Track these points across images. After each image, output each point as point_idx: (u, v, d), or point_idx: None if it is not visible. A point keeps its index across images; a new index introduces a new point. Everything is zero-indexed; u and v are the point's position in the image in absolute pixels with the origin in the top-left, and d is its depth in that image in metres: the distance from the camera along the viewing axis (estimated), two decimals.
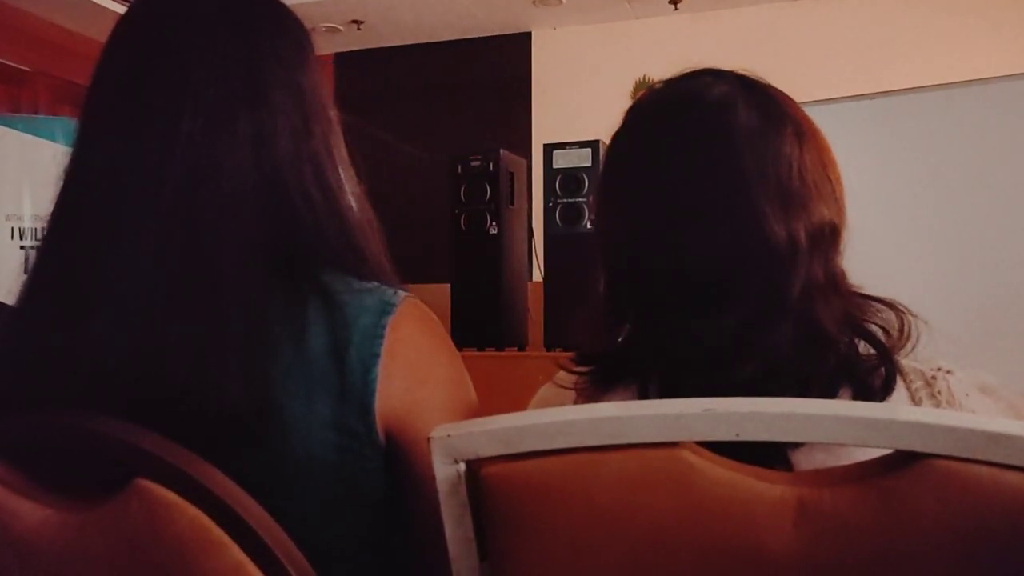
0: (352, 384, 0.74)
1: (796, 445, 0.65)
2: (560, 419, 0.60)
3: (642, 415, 0.59)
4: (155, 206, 0.76)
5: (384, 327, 0.76)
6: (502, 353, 2.83)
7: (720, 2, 3.92)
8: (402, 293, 0.80)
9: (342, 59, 4.27)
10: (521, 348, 2.95)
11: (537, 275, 3.28)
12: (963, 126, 2.20)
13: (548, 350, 2.69)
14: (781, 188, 0.72)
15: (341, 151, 0.85)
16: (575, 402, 0.76)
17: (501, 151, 3.10)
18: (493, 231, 2.96)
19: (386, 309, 0.77)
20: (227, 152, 0.76)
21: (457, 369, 0.82)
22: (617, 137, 0.81)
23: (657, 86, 0.81)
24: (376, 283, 0.80)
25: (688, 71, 0.81)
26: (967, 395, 0.70)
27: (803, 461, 0.65)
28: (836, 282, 0.74)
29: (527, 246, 3.24)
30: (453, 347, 0.83)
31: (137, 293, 0.75)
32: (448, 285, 2.95)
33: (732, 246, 0.72)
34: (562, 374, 0.79)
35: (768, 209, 0.71)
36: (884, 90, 2.36)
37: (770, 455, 0.64)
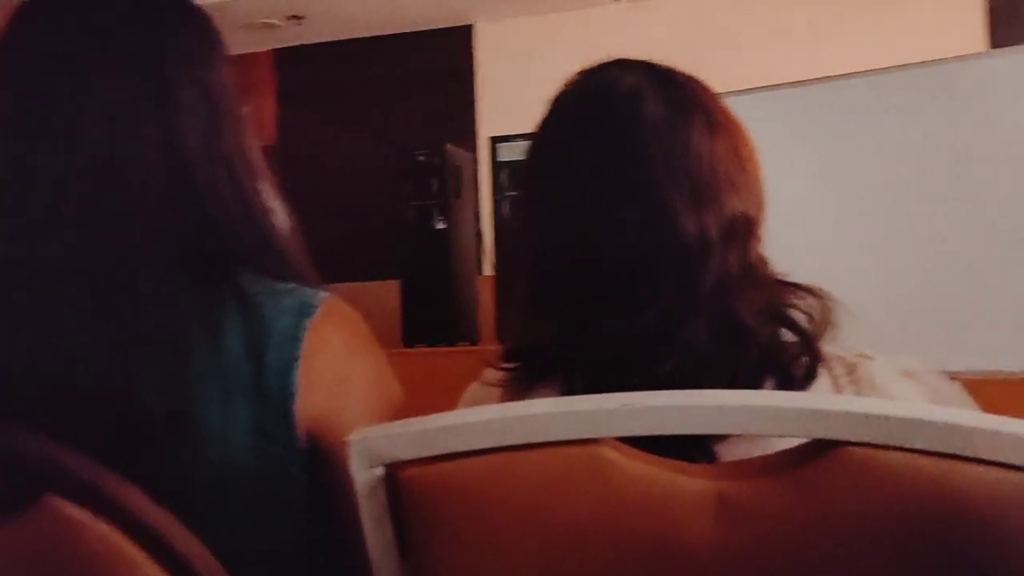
0: (271, 388, 0.72)
1: (720, 437, 0.65)
2: (477, 419, 0.59)
3: (559, 412, 0.58)
4: (60, 212, 0.73)
5: (303, 329, 0.74)
6: (454, 348, 2.82)
7: None
8: (322, 294, 0.78)
9: (282, 55, 4.19)
10: (473, 343, 2.93)
11: (488, 269, 3.27)
12: (893, 112, 2.23)
13: (501, 343, 2.68)
14: (690, 180, 0.71)
15: (255, 149, 0.83)
16: (501, 399, 0.75)
17: (447, 145, 3.08)
18: (441, 225, 2.94)
19: (305, 310, 0.75)
20: (133, 154, 0.74)
21: (380, 369, 0.80)
22: (535, 132, 0.80)
23: (572, 78, 0.80)
24: (295, 284, 0.78)
25: (600, 62, 0.80)
26: (889, 381, 0.70)
27: (726, 452, 0.65)
28: (754, 273, 0.73)
29: (476, 240, 3.23)
30: (376, 347, 0.81)
31: (48, 300, 0.73)
32: (397, 281, 2.92)
33: (643, 241, 0.71)
34: (489, 371, 0.78)
35: (677, 202, 0.70)
36: (821, 76, 2.37)
37: (694, 447, 0.63)
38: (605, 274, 0.72)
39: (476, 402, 0.77)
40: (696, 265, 0.70)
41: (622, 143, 0.73)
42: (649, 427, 0.57)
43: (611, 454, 0.58)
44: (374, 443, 0.61)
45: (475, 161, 3.43)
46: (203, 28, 0.81)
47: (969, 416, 0.54)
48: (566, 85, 0.80)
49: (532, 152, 0.80)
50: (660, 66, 0.79)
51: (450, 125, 3.83)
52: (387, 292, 2.94)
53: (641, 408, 0.57)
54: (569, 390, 0.70)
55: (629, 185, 0.72)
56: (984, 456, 0.53)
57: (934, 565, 0.54)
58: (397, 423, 0.61)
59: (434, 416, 0.61)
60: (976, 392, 2.14)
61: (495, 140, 2.90)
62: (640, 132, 0.73)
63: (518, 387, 0.73)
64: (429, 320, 2.83)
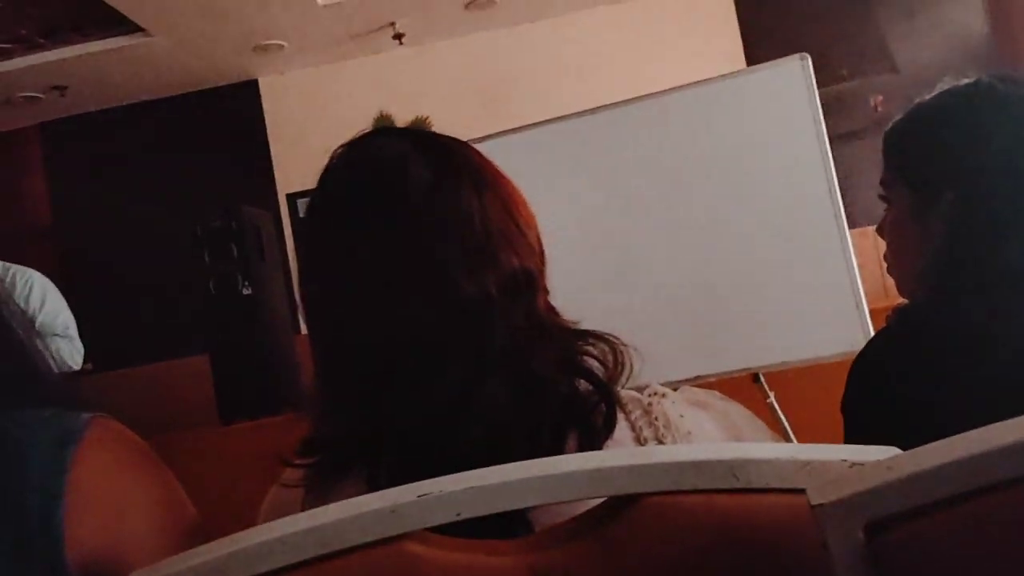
0: (31, 534, 0.63)
1: None
2: (268, 538, 0.54)
3: (355, 515, 0.55)
4: None
5: (66, 460, 0.66)
6: (279, 418, 2.68)
7: (441, 33, 4.01)
8: (86, 416, 0.70)
9: (48, 129, 3.86)
10: (299, 408, 2.81)
11: (306, 327, 3.15)
12: (654, 134, 2.37)
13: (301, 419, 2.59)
14: (465, 243, 0.71)
15: None
16: (304, 501, 0.70)
17: (243, 207, 2.95)
18: (247, 291, 2.81)
19: (68, 438, 0.67)
20: None
21: (166, 490, 0.73)
22: (309, 204, 0.77)
23: (336, 152, 0.78)
24: (54, 410, 0.69)
25: (362, 133, 0.78)
26: (681, 415, 0.72)
27: (542, 517, 0.64)
28: (544, 325, 0.73)
29: (288, 300, 3.11)
30: (159, 467, 0.74)
31: None
32: (206, 356, 2.75)
33: (425, 309, 0.69)
34: (287, 472, 0.73)
35: (454, 266, 0.69)
36: (601, 104, 2.47)
37: (510, 519, 0.62)
38: (392, 348, 0.69)
39: (276, 510, 0.71)
40: (482, 327, 0.69)
41: (392, 211, 0.72)
42: (450, 513, 0.55)
43: (416, 548, 0.55)
44: None
45: (276, 220, 3.32)
46: None
47: (748, 448, 0.57)
48: (331, 159, 0.77)
49: (303, 231, 0.77)
50: (424, 132, 0.78)
51: (247, 184, 3.68)
52: (197, 368, 2.76)
53: (441, 495, 0.55)
54: (375, 481, 0.66)
55: (403, 253, 0.71)
56: (767, 485, 0.55)
57: None
58: (178, 558, 0.55)
59: (221, 541, 0.56)
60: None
61: (292, 197, 2.82)
62: (410, 200, 0.72)
63: (321, 485, 0.69)
64: (246, 393, 2.69)
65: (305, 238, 0.77)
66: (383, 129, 0.78)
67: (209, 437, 2.67)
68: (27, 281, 2.90)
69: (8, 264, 2.91)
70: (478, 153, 0.78)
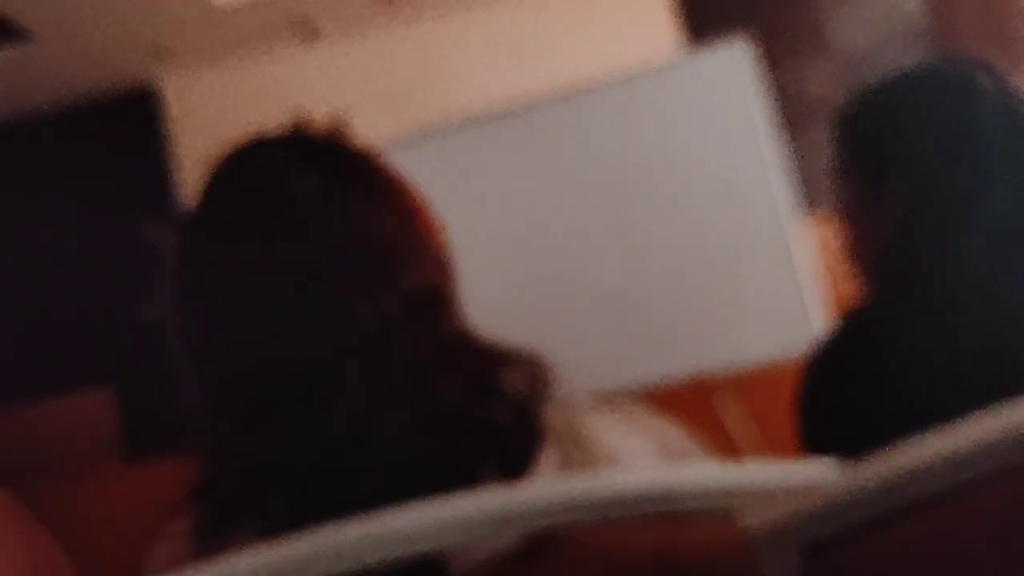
0: None
1: None
2: None
3: (248, 571, 0.48)
4: None
5: None
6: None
7: (352, 29, 3.90)
8: None
9: None
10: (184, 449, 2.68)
11: None
12: (593, 128, 2.29)
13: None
14: (358, 260, 0.64)
15: None
16: (195, 551, 0.63)
17: (144, 222, 2.80)
18: (151, 315, 2.66)
19: None
20: None
21: (36, 551, 0.65)
22: (187, 221, 0.69)
23: (216, 162, 0.70)
24: None
25: (246, 140, 0.71)
26: (611, 436, 0.67)
27: (457, 556, 0.58)
28: (452, 347, 0.66)
29: None
30: (26, 523, 0.66)
31: None
32: (111, 388, 2.59)
33: (318, 334, 0.62)
34: (174, 521, 0.65)
35: (347, 286, 0.63)
36: (535, 97, 2.36)
37: (421, 563, 0.56)
38: (281, 377, 0.62)
39: (163, 564, 0.64)
40: (380, 353, 0.62)
41: (276, 224, 0.65)
42: (350, 563, 0.49)
43: None
44: None
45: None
46: None
47: (679, 472, 0.53)
48: (212, 169, 0.70)
49: (183, 250, 0.69)
50: (313, 136, 0.71)
51: (146, 199, 3.49)
52: (99, 402, 2.61)
53: (337, 545, 0.49)
54: (271, 527, 0.59)
55: (293, 276, 0.63)
56: (699, 508, 0.52)
57: None
58: None
59: None
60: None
61: None
62: (293, 214, 0.65)
63: (210, 536, 0.62)
64: (155, 425, 2.54)
65: (183, 259, 0.69)
66: (266, 136, 0.71)
67: (113, 478, 2.48)
68: None
69: None
70: (376, 160, 0.72)
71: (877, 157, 0.99)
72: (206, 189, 0.69)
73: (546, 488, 0.51)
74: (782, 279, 2.14)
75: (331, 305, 0.62)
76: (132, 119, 3.69)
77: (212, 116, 3.77)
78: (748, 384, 2.23)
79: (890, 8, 4.19)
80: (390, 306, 0.63)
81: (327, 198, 0.65)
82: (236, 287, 0.65)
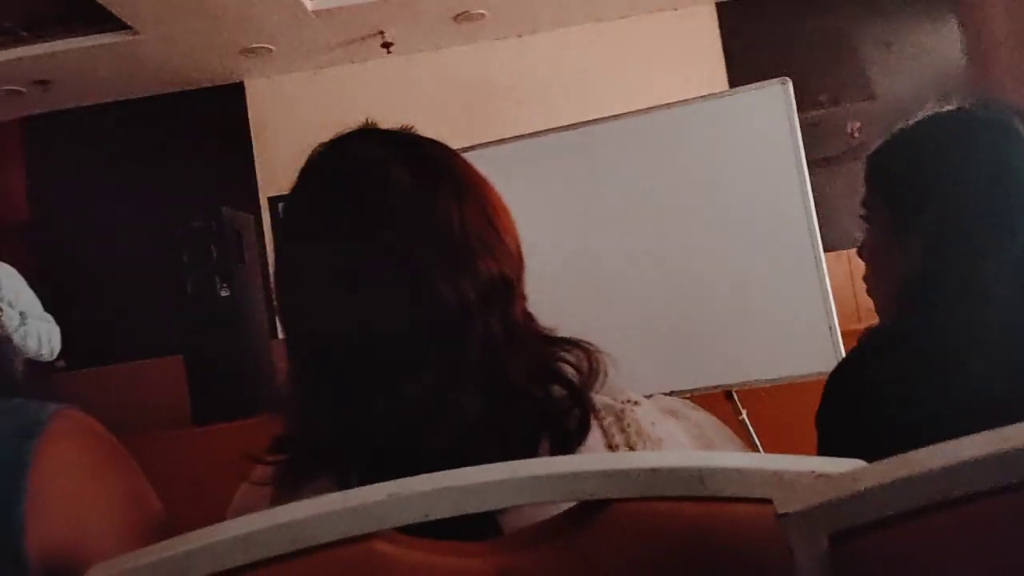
0: None
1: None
2: (233, 533, 0.54)
3: (324, 513, 0.54)
4: None
5: (29, 453, 0.65)
6: (251, 420, 2.66)
7: (430, 43, 4.02)
8: (52, 407, 0.69)
9: (31, 123, 3.82)
10: (272, 411, 2.79)
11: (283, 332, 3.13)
12: (641, 150, 2.40)
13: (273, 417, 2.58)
14: (443, 247, 0.70)
15: None
16: (273, 499, 0.69)
17: (223, 209, 2.93)
18: (225, 293, 2.79)
19: (31, 431, 0.66)
20: None
21: (131, 484, 0.72)
22: (286, 205, 0.77)
23: (314, 151, 0.77)
24: (19, 400, 0.68)
25: (340, 134, 0.78)
26: (653, 423, 0.72)
27: (512, 521, 0.64)
28: (520, 332, 0.73)
29: (267, 303, 3.09)
30: (126, 461, 0.73)
31: None
32: (180, 357, 2.73)
33: (402, 312, 0.69)
34: (258, 469, 0.72)
35: (432, 270, 0.69)
36: (588, 119, 2.49)
37: (479, 521, 0.62)
38: (366, 349, 0.69)
39: (245, 507, 0.71)
40: (458, 332, 0.69)
41: (370, 214, 0.71)
42: (419, 514, 0.55)
43: (386, 548, 0.55)
44: None
45: (257, 223, 3.30)
46: None
47: (717, 457, 0.57)
48: (310, 159, 0.77)
49: (282, 230, 0.76)
50: (404, 135, 0.78)
51: (229, 186, 3.66)
52: (170, 369, 2.74)
53: (410, 495, 0.55)
54: (344, 481, 0.66)
55: (383, 257, 0.70)
56: (735, 493, 0.56)
57: None
58: (138, 554, 0.55)
59: (183, 537, 0.55)
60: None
61: (274, 200, 2.81)
62: (388, 202, 0.71)
63: (290, 484, 0.69)
64: (220, 394, 2.66)
65: (282, 238, 0.76)
66: (363, 130, 0.78)
67: (182, 438, 2.65)
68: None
69: None
70: (460, 158, 0.78)
71: (908, 190, 1.02)
72: (307, 172, 0.76)
73: (600, 460, 0.56)
74: (808, 304, 2.22)
75: (416, 286, 0.69)
76: (221, 111, 3.86)
77: (289, 113, 3.92)
78: (765, 397, 2.31)
79: (930, 55, 4.15)
80: (468, 291, 0.69)
81: (419, 191, 0.71)
82: (331, 262, 0.71)
